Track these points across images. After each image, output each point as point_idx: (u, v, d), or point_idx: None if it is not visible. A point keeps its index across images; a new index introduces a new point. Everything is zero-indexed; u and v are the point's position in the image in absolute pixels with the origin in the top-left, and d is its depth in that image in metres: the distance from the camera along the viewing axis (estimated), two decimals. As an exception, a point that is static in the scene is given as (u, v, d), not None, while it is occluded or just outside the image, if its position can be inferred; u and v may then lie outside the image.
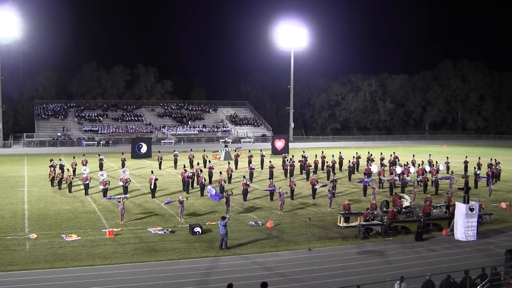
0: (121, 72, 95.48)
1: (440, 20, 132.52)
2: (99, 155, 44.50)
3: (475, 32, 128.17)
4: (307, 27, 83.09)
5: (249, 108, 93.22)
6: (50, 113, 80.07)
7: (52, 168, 36.41)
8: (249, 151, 46.75)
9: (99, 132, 76.55)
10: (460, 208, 22.99)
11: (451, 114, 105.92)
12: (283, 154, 47.73)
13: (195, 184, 34.31)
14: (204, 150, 47.80)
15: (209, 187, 29.68)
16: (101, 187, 31.15)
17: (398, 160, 43.56)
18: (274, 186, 30.81)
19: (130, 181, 33.13)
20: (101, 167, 41.54)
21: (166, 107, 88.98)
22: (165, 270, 18.50)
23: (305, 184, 36.34)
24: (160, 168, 44.03)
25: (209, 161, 43.10)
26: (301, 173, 41.54)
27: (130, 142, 58.94)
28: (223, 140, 67.24)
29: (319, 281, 17.30)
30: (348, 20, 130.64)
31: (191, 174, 34.45)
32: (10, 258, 19.31)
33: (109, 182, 31.89)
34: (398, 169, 37.53)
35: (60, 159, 41.02)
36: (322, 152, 45.80)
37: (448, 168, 42.08)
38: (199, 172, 33.86)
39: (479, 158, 43.49)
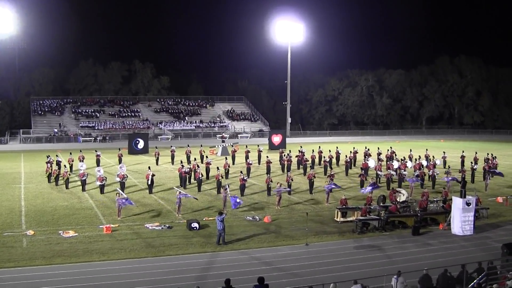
0: (118, 68, 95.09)
1: (437, 16, 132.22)
2: (96, 151, 44.38)
3: (472, 28, 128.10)
4: (304, 22, 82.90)
5: (246, 103, 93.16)
6: (46, 109, 79.84)
7: (49, 164, 36.31)
8: (246, 146, 46.82)
9: (96, 128, 76.43)
10: (457, 203, 23.06)
11: (448, 109, 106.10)
12: (280, 149, 47.78)
13: (192, 180, 34.32)
14: (201, 146, 47.80)
15: (236, 197, 26.17)
16: (98, 183, 31.21)
17: (395, 155, 43.63)
18: (271, 181, 30.87)
19: (127, 177, 33.06)
20: (98, 163, 41.45)
21: (163, 102, 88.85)
22: (162, 266, 18.52)
23: (302, 179, 36.38)
24: (157, 163, 44.01)
25: (206, 157, 43.05)
26: (298, 168, 41.65)
27: (127, 138, 58.75)
28: (220, 135, 67.25)
29: (316, 276, 17.32)
30: (345, 15, 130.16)
31: (188, 169, 34.44)
32: (7, 255, 19.28)
33: (106, 178, 31.94)
34: (395, 164, 37.64)
35: (57, 155, 40.88)
36: (319, 147, 45.91)
37: (445, 162, 42.21)
38: (196, 167, 33.89)
39: (476, 152, 43.64)
